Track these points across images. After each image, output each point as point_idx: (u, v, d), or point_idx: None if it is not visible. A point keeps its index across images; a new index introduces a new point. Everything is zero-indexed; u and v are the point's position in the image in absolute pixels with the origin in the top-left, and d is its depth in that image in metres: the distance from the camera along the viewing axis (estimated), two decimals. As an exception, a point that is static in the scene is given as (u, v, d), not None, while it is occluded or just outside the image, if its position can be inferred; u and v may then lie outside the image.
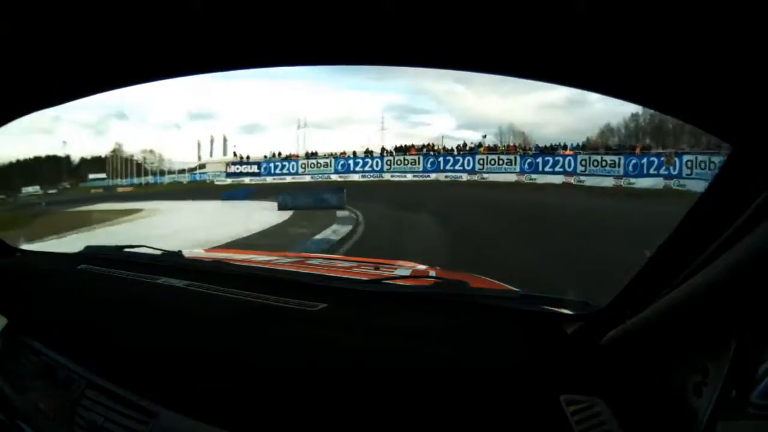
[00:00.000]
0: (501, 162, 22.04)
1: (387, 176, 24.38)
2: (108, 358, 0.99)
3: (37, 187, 28.68)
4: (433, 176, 23.48)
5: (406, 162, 24.63)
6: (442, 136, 29.89)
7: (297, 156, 26.71)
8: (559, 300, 0.93)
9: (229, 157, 28.09)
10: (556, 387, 0.71)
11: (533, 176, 20.57)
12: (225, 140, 29.46)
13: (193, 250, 1.85)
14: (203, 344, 0.93)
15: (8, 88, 0.90)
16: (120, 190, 28.72)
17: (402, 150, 25.09)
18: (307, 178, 25.19)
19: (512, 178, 21.08)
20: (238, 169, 27.08)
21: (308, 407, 0.77)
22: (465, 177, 22.49)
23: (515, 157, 21.79)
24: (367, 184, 22.84)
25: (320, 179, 24.41)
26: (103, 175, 31.81)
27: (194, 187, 25.99)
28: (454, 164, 23.42)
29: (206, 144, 29.93)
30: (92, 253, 1.57)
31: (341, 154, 25.90)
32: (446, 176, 23.13)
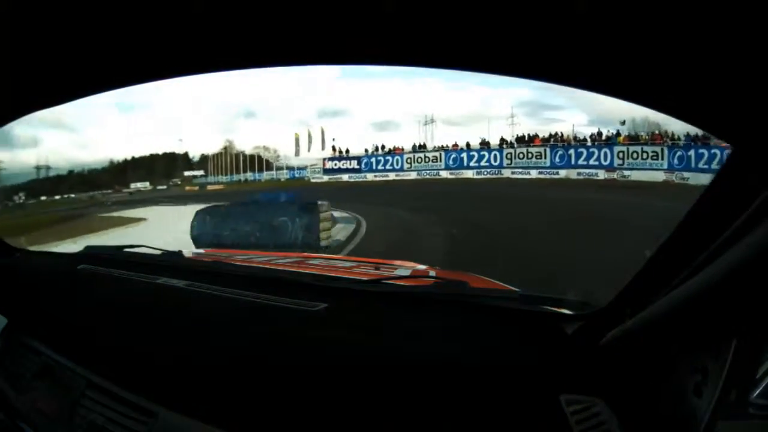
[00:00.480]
0: (645, 155, 16.30)
1: (507, 173, 19.67)
2: (108, 358, 0.99)
3: (147, 183, 30.24)
4: (563, 173, 18.36)
5: (529, 155, 19.44)
6: (573, 125, 25.16)
7: (402, 150, 23.48)
8: (559, 300, 0.93)
9: (328, 152, 25.56)
10: (556, 387, 0.71)
11: (685, 174, 14.62)
12: (323, 132, 26.19)
13: (193, 250, 1.85)
14: (203, 344, 0.93)
15: (8, 88, 0.90)
16: (210, 188, 28.13)
17: (524, 141, 20.02)
18: (413, 175, 22.09)
19: (659, 176, 15.40)
20: (335, 164, 24.40)
21: (308, 407, 0.77)
22: (602, 174, 17.14)
23: (662, 149, 15.74)
24: (480, 183, 18.78)
25: (428, 177, 21.40)
26: (202, 172, 32.28)
27: (289, 184, 24.25)
28: (587, 158, 18.04)
29: (316, 138, 27.14)
30: (92, 253, 1.57)
31: (453, 146, 21.92)
32: (579, 173, 17.85)
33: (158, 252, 1.51)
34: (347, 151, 24.80)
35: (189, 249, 1.78)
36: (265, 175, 29.03)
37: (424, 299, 1.05)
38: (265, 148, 30.93)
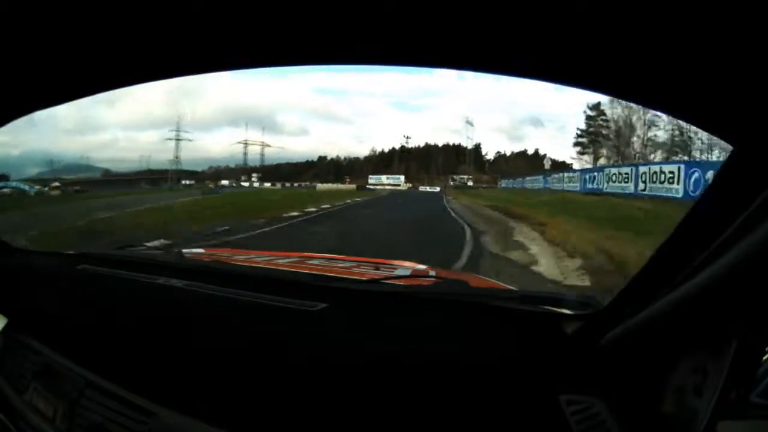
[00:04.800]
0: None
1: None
2: (107, 358, 0.99)
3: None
4: None
5: None
6: None
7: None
8: (559, 300, 0.93)
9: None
10: (555, 387, 0.71)
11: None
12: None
13: (192, 250, 1.85)
14: (203, 344, 0.93)
15: (8, 88, 0.90)
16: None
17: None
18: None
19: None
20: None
21: (308, 407, 0.77)
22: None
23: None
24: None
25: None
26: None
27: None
28: None
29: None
30: (92, 253, 1.57)
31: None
32: None
33: (158, 252, 1.51)
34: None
35: (189, 249, 1.78)
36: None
37: (424, 299, 1.05)
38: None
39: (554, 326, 0.86)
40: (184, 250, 1.56)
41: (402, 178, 37.90)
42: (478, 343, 0.86)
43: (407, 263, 1.87)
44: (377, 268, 1.63)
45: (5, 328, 1.20)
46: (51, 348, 1.07)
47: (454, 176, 35.87)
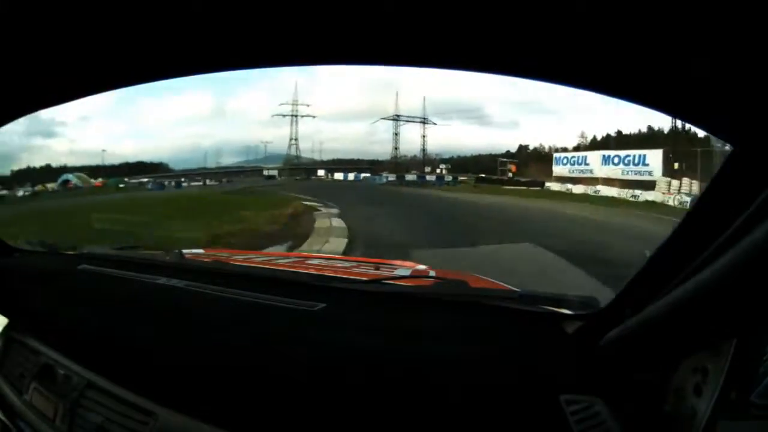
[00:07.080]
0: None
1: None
2: (108, 358, 0.99)
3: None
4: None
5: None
6: None
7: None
8: (559, 300, 0.93)
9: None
10: (555, 387, 0.71)
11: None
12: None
13: (192, 250, 1.85)
14: (203, 344, 0.93)
15: (8, 88, 0.90)
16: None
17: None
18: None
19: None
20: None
21: (308, 407, 0.77)
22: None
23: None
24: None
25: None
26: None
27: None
28: None
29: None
30: (92, 253, 1.57)
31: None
32: None
33: (158, 252, 1.51)
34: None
35: (189, 249, 1.78)
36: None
37: (423, 299, 1.05)
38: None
39: (554, 326, 0.86)
40: (184, 251, 1.56)
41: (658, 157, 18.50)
42: (478, 344, 0.86)
43: (407, 263, 1.87)
44: (377, 268, 1.63)
45: (5, 328, 1.20)
46: (51, 348, 1.07)
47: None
